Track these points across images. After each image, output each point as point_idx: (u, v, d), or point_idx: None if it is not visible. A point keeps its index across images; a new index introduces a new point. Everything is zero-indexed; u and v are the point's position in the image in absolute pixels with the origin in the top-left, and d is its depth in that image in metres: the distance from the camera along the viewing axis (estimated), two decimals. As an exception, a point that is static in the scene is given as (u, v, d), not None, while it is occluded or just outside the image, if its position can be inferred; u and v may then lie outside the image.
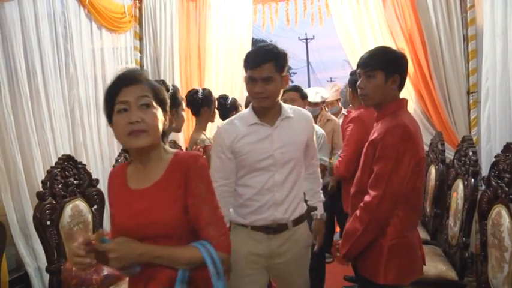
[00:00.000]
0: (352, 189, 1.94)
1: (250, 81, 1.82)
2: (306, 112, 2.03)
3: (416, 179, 1.73)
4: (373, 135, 1.81)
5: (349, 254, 1.83)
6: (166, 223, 1.32)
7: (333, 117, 4.01)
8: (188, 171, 1.35)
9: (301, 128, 1.93)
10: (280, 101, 1.92)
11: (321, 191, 2.23)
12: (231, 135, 1.88)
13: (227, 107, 3.51)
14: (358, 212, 1.78)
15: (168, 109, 1.43)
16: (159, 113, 1.36)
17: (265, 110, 1.86)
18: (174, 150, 1.44)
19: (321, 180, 2.23)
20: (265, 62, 1.77)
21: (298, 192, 1.94)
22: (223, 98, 3.59)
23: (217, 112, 3.32)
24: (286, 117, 1.89)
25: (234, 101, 3.63)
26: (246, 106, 3.62)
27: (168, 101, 1.44)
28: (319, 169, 2.20)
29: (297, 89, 3.19)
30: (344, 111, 4.35)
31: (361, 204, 1.77)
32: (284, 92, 3.08)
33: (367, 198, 1.74)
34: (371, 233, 1.75)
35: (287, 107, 1.94)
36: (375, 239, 1.76)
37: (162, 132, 1.39)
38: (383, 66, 1.81)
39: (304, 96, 3.17)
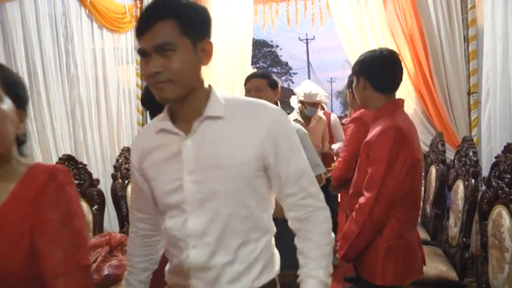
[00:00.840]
0: (350, 191, 1.95)
1: (142, 58, 1.11)
2: (264, 107, 1.16)
3: (412, 180, 1.73)
4: (368, 137, 1.82)
5: (347, 255, 1.84)
6: (7, 273, 0.90)
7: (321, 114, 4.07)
8: (38, 194, 0.93)
9: (243, 137, 1.11)
10: (213, 89, 1.17)
11: (327, 255, 1.15)
12: (138, 147, 1.23)
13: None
14: (354, 213, 1.79)
15: (27, 107, 1.06)
16: (10, 110, 0.96)
17: (177, 105, 1.13)
18: (31, 163, 1.03)
19: (325, 235, 1.16)
20: (158, 19, 1.06)
21: (244, 253, 1.12)
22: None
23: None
24: (210, 118, 1.11)
25: None
26: None
27: (28, 94, 1.07)
28: (317, 213, 1.16)
29: (264, 75, 2.38)
30: (320, 113, 4.37)
31: (356, 205, 1.78)
32: (247, 79, 2.46)
33: (361, 200, 1.75)
34: (367, 234, 1.75)
35: (221, 98, 1.15)
36: (372, 240, 1.77)
37: (15, 138, 1.00)
38: (353, 70, 1.93)
39: (273, 85, 2.34)
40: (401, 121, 1.74)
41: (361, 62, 1.88)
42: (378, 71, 1.82)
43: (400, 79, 1.87)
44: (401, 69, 1.86)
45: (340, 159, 2.80)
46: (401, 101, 1.89)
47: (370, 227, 1.73)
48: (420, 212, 3.66)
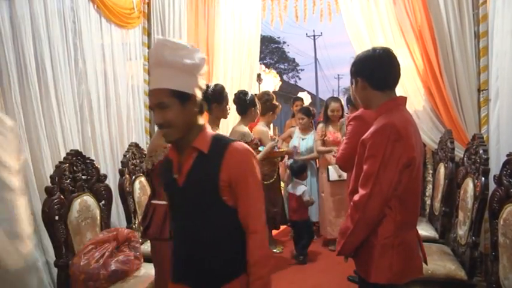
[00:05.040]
0: (349, 188, 1.94)
1: None
2: None
3: (409, 179, 1.71)
4: (364, 135, 1.81)
5: (343, 251, 1.84)
6: None
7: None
8: None
9: None
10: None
11: None
12: None
13: (247, 103, 3.60)
14: (349, 210, 1.79)
15: None
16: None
17: None
18: None
19: None
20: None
21: None
22: (242, 93, 3.65)
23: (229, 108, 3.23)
24: None
25: (254, 97, 3.70)
26: (250, 103, 3.63)
27: None
28: None
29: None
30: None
31: (351, 202, 1.78)
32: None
33: (356, 197, 1.75)
34: (361, 231, 1.75)
35: None
36: (367, 238, 1.76)
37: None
38: (350, 73, 1.93)
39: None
40: (397, 119, 1.72)
41: (357, 63, 1.87)
42: (374, 70, 1.81)
43: (398, 75, 1.85)
44: (398, 64, 1.84)
45: (338, 155, 2.81)
46: (403, 98, 1.87)
47: (364, 224, 1.73)
48: (428, 211, 3.66)
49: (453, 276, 2.46)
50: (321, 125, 4.44)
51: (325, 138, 4.32)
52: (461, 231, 2.66)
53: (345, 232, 1.79)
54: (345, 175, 3.86)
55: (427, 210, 3.70)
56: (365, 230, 1.74)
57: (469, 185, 2.63)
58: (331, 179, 4.25)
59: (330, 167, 4.22)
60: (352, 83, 1.94)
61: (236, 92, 3.76)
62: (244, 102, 3.62)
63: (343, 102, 4.62)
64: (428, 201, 3.79)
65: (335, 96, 4.49)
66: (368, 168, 1.70)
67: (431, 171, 3.94)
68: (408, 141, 1.69)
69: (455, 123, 3.60)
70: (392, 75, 1.83)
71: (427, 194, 3.95)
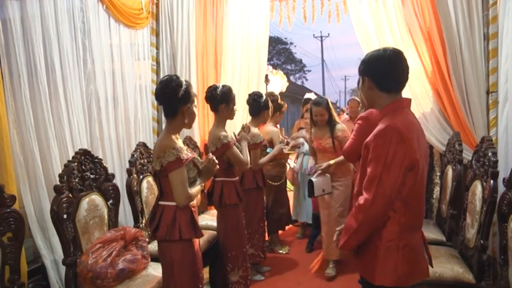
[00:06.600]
0: (354, 190, 1.94)
1: None
2: None
3: (412, 181, 1.70)
4: (368, 138, 1.80)
5: (345, 246, 1.85)
6: None
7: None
8: None
9: None
10: None
11: None
12: None
13: (261, 105, 3.67)
14: (354, 209, 1.80)
15: None
16: None
17: None
18: None
19: None
20: None
21: None
22: (257, 96, 3.69)
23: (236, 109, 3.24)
24: None
25: (268, 100, 3.75)
26: (264, 105, 3.65)
27: None
28: None
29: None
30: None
31: (356, 204, 1.78)
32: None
33: (360, 199, 1.75)
34: (364, 231, 1.76)
35: None
36: (371, 241, 1.76)
37: None
38: (358, 70, 1.90)
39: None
40: (400, 121, 1.71)
41: (366, 62, 1.85)
42: (382, 71, 1.79)
43: (406, 78, 1.83)
44: (407, 67, 1.81)
45: (344, 148, 2.88)
46: (407, 100, 1.85)
47: (367, 225, 1.74)
48: (435, 213, 3.64)
49: (461, 279, 2.44)
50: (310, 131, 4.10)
51: (312, 145, 3.99)
52: (469, 234, 2.64)
53: (349, 229, 1.79)
54: (329, 188, 3.53)
55: (435, 213, 3.67)
56: (368, 230, 1.75)
57: (477, 188, 2.62)
58: (316, 194, 3.52)
59: (313, 179, 3.49)
60: (359, 81, 1.93)
61: (251, 93, 3.78)
62: (258, 104, 3.65)
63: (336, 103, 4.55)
64: (435, 204, 3.77)
65: (319, 98, 4.10)
66: (371, 171, 1.70)
67: (438, 174, 3.91)
68: (411, 143, 1.68)
69: (464, 126, 3.58)
70: (400, 78, 1.81)
71: (434, 196, 3.92)
